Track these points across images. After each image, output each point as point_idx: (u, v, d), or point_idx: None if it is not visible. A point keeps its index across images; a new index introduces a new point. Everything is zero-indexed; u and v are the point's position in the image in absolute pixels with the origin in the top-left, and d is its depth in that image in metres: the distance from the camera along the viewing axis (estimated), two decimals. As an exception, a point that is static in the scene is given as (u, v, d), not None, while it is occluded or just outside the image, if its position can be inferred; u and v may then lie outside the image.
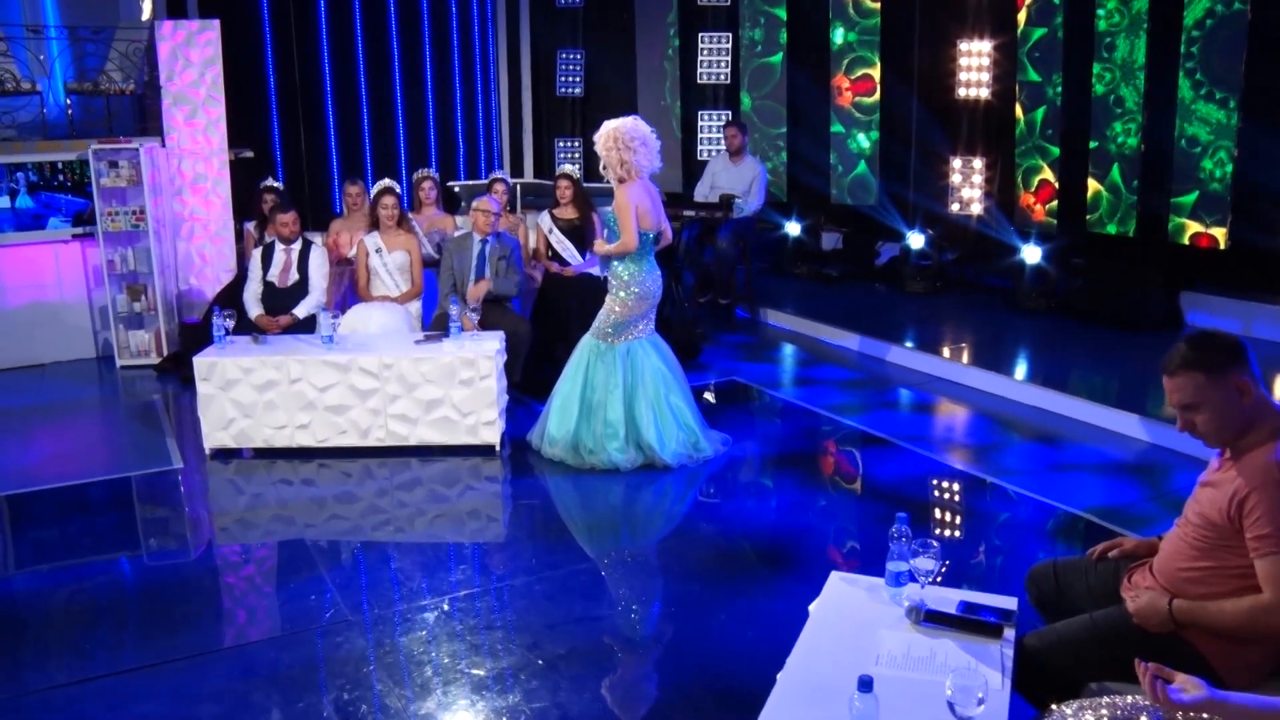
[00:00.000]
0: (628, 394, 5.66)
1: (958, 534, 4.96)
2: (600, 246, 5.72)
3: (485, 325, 6.44)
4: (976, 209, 9.46)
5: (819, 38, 10.17)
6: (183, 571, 4.75)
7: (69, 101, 7.98)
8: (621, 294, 5.63)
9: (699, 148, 10.58)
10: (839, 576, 3.30)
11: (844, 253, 10.63)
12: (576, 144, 11.03)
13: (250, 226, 7.78)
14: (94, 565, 4.75)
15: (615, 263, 5.64)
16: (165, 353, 7.83)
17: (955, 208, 9.54)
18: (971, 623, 2.95)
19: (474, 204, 6.82)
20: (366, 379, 5.83)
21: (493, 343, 6.00)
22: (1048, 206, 8.91)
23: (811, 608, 3.17)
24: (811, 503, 5.32)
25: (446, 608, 4.22)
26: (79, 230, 7.79)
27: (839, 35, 10.11)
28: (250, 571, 4.72)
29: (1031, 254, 8.75)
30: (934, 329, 8.43)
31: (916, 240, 9.48)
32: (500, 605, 4.25)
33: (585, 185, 8.61)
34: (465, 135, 10.50)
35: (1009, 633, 2.93)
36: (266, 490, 5.59)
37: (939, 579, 3.08)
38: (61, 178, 7.55)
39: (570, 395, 5.73)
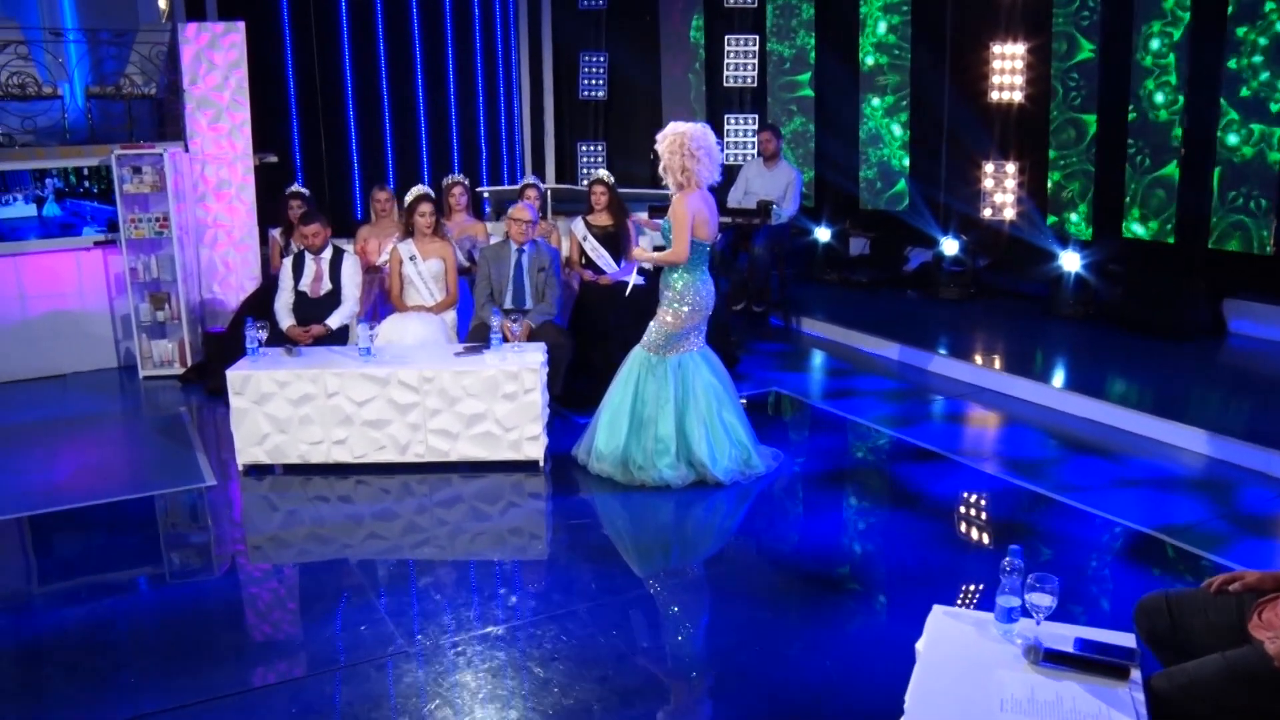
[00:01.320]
0: (679, 409, 5.48)
1: (1025, 555, 4.76)
2: (640, 253, 5.53)
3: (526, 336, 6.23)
4: (1009, 214, 9.29)
5: (848, 38, 9.99)
6: (224, 597, 4.56)
7: (88, 106, 7.78)
8: (675, 305, 5.45)
9: (725, 152, 10.38)
10: (942, 611, 3.12)
11: (871, 258, 10.46)
12: (599, 148, 10.85)
13: (276, 233, 7.59)
14: (127, 591, 4.56)
15: (670, 273, 5.45)
16: (189, 363, 7.64)
17: (988, 213, 9.36)
18: (1095, 663, 2.78)
19: (509, 212, 6.64)
20: (406, 392, 5.64)
21: (536, 355, 5.81)
22: (1080, 212, 8.74)
23: (919, 646, 2.99)
24: (871, 522, 5.15)
25: (506, 636, 4.03)
26: (100, 237, 7.59)
27: (869, 36, 9.94)
28: (296, 597, 4.52)
29: (1070, 261, 8.57)
30: (972, 337, 8.26)
31: (950, 246, 9.30)
32: (563, 634, 4.06)
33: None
34: (488, 139, 10.32)
35: (1135, 674, 2.76)
36: (303, 508, 5.39)
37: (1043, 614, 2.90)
38: (88, 184, 7.34)
39: (620, 409, 5.55)
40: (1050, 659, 2.78)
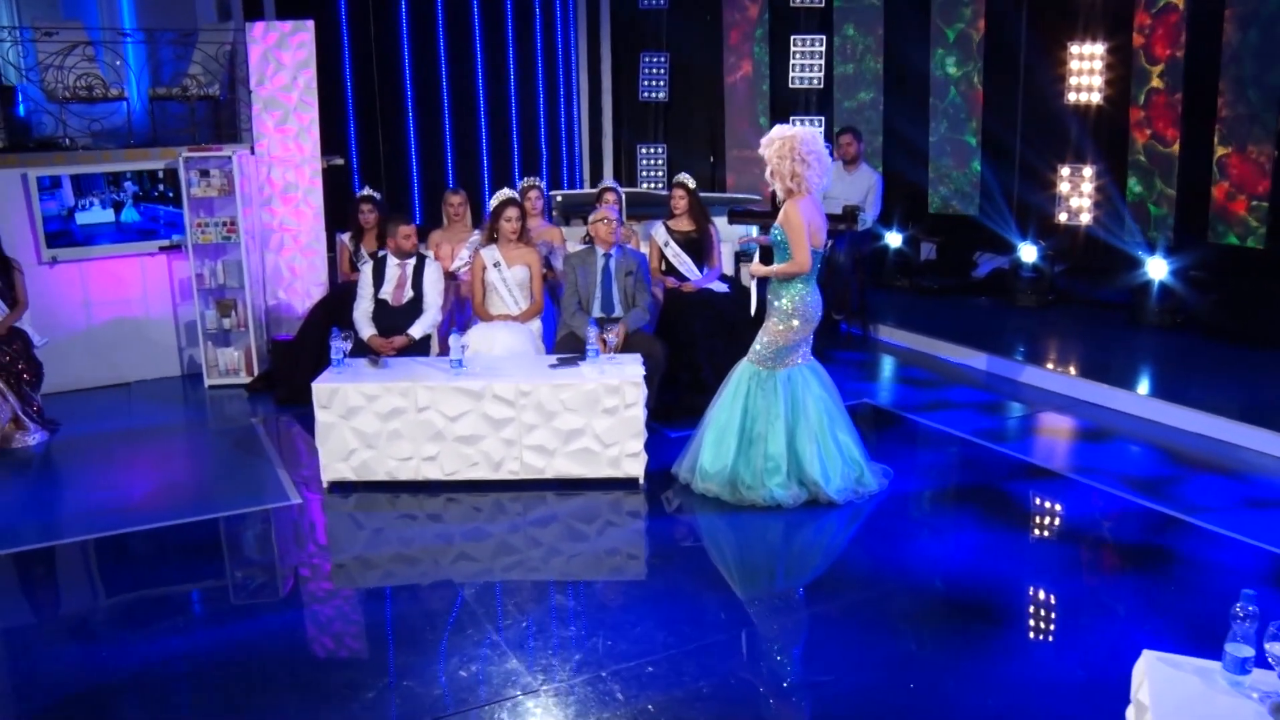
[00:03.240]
0: (789, 425, 5.22)
1: (1171, 583, 4.51)
2: (759, 268, 5.29)
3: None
4: (1086, 219, 9.01)
5: (918, 39, 9.72)
6: (328, 627, 4.32)
7: (152, 108, 7.56)
8: (785, 317, 5.19)
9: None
10: (1155, 657, 2.86)
11: (939, 264, 10.17)
12: (660, 150, 10.59)
13: (345, 238, 7.36)
14: (220, 621, 4.32)
15: (779, 284, 5.20)
16: (255, 371, 7.42)
17: (1063, 217, 9.08)
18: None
19: (592, 215, 6.40)
20: (501, 407, 5.40)
21: (636, 367, 5.56)
22: (1164, 218, 8.46)
23: (1142, 698, 2.72)
24: (1000, 545, 4.87)
25: (639, 671, 3.78)
26: (165, 243, 7.38)
27: (939, 37, 9.67)
28: (402, 626, 4.25)
29: (1157, 268, 8.29)
30: (1060, 346, 7.98)
31: (1029, 252, 9.02)
32: (702, 669, 3.81)
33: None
34: (549, 141, 10.08)
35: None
36: (395, 528, 5.15)
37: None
38: (162, 188, 7.13)
39: (727, 426, 5.29)
40: (1303, 717, 2.52)
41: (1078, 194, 9.04)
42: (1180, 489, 5.46)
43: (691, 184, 7.14)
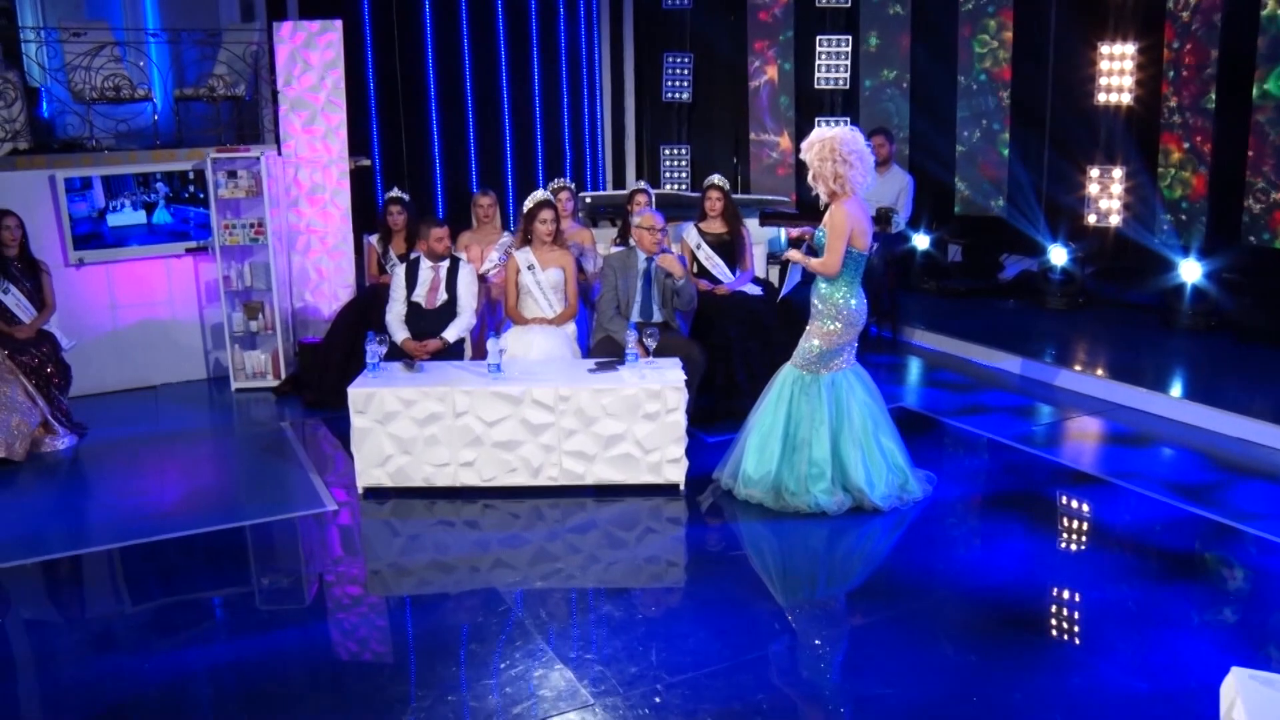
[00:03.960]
0: (834, 430, 5.14)
1: (1231, 592, 4.43)
2: (796, 254, 5.20)
3: (655, 351, 5.91)
4: (1115, 220, 8.91)
5: (946, 34, 9.63)
6: (371, 638, 4.26)
7: (176, 109, 7.50)
8: (830, 321, 5.12)
9: (815, 155, 10.04)
10: (1247, 676, 2.78)
11: (964, 266, 10.08)
12: (683, 151, 10.51)
13: (373, 240, 7.29)
14: (256, 631, 4.24)
15: (826, 286, 5.12)
16: (283, 374, 7.34)
17: (1093, 219, 8.99)
18: None
19: (635, 220, 6.32)
20: (540, 412, 5.33)
21: (677, 372, 5.49)
22: (1197, 219, 8.37)
23: (1237, 718, 2.64)
24: (1051, 553, 4.80)
25: (706, 683, 3.70)
26: (191, 244, 7.31)
27: (966, 39, 9.59)
28: (455, 637, 4.16)
29: (1190, 270, 8.20)
30: (1094, 350, 7.89)
31: (1059, 254, 8.93)
32: (758, 681, 3.73)
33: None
34: (572, 142, 10.00)
35: None
36: (432, 534, 5.08)
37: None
38: (192, 189, 7.05)
39: (771, 431, 5.21)
40: None
41: (1107, 195, 8.94)
42: (1227, 495, 5.38)
43: (726, 185, 7.05)
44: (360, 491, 5.47)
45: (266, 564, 4.97)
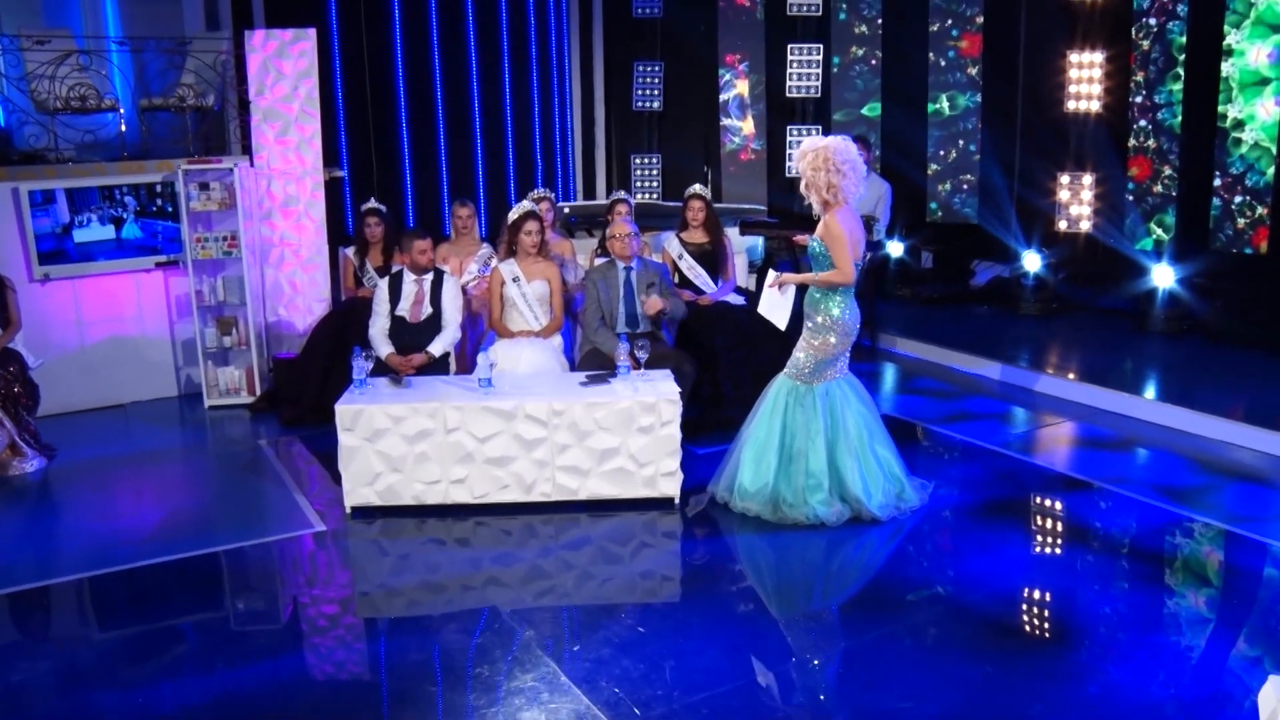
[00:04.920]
0: (829, 441, 5.11)
1: (1236, 596, 4.45)
2: (790, 276, 5.16)
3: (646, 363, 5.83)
4: (1085, 226, 9.02)
5: (916, 45, 9.69)
6: (374, 663, 4.14)
7: (142, 119, 7.30)
8: (825, 331, 5.08)
9: (787, 165, 10.05)
10: (1283, 684, 2.76)
11: (936, 273, 10.14)
12: (654, 160, 10.46)
13: (349, 252, 7.15)
14: (249, 660, 4.10)
15: (820, 296, 5.09)
16: (258, 391, 7.17)
17: (1063, 225, 9.09)
18: None
19: (608, 230, 6.25)
20: (533, 427, 5.23)
21: (670, 384, 5.43)
22: (1165, 225, 8.48)
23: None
24: (1054, 560, 4.80)
25: (725, 702, 3.63)
26: (162, 258, 7.11)
27: (938, 46, 9.65)
28: (461, 659, 4.06)
29: (1162, 275, 8.30)
30: (1070, 355, 7.96)
31: (1032, 260, 9.01)
32: (780, 697, 3.68)
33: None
34: (543, 152, 9.90)
35: None
36: (424, 554, 4.95)
37: None
38: (160, 202, 6.86)
39: (766, 443, 5.17)
40: None
41: (1078, 201, 9.05)
42: (1216, 498, 5.43)
43: (707, 195, 7.02)
44: (348, 511, 5.34)
45: (255, 590, 4.80)
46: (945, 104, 9.65)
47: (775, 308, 5.18)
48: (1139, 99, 8.53)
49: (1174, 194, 8.38)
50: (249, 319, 7.10)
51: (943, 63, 9.65)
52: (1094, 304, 9.01)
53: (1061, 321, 8.85)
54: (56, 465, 6.15)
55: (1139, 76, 8.50)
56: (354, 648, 4.23)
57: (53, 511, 5.68)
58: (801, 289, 5.19)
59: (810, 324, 5.15)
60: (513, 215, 6.27)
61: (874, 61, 10.01)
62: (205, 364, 7.12)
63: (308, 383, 6.78)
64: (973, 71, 9.56)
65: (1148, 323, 8.33)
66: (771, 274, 5.26)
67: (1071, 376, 7.24)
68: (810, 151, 5.02)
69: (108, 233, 6.75)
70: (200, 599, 4.66)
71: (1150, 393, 6.84)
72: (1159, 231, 8.48)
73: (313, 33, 7.20)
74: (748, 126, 10.45)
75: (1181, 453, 6.09)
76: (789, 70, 9.88)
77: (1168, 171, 8.39)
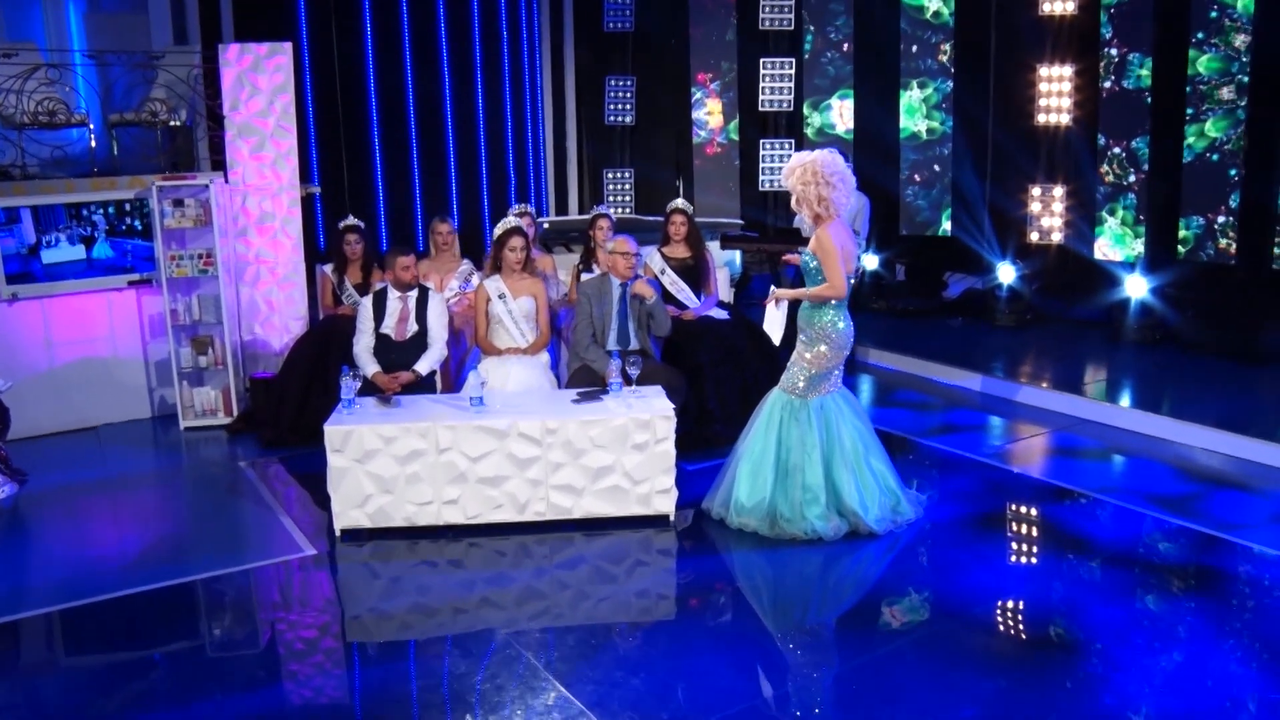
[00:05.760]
0: (825, 455, 5.09)
1: (1236, 603, 4.48)
2: (785, 291, 5.15)
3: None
4: (1057, 238, 9.14)
5: (888, 62, 9.76)
6: (382, 691, 4.02)
7: (112, 134, 7.14)
8: (821, 345, 5.07)
9: (761, 178, 10.08)
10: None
11: (909, 285, 10.21)
12: (627, 174, 10.44)
13: (327, 269, 7.04)
14: (250, 688, 3.99)
15: (814, 310, 5.07)
16: (235, 412, 7.01)
17: (1035, 237, 9.20)
18: None
19: (608, 246, 6.20)
20: (527, 445, 5.16)
21: (664, 401, 5.39)
22: (1136, 235, 8.61)
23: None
24: (1055, 571, 4.80)
25: (732, 725, 3.59)
26: (135, 277, 6.95)
27: (908, 60, 9.73)
28: (468, 683, 3.97)
29: (1136, 285, 8.42)
30: (1048, 365, 8.02)
31: (1007, 272, 9.09)
32: (800, 715, 3.63)
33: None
34: (516, 167, 9.83)
35: None
36: (416, 576, 4.85)
37: None
38: (129, 220, 6.69)
39: (762, 458, 5.14)
40: None
41: (1049, 213, 9.16)
42: (1206, 506, 5.48)
43: (690, 209, 7.00)
44: (337, 534, 5.22)
45: (252, 616, 4.66)
46: (922, 127, 9.71)
47: (772, 323, 5.17)
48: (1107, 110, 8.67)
49: (1142, 204, 8.51)
50: (225, 338, 6.96)
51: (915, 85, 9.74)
52: (1068, 315, 9.11)
53: (1036, 332, 8.94)
54: (28, 491, 5.96)
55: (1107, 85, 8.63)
56: (363, 675, 4.12)
57: (28, 540, 5.49)
58: (795, 303, 5.17)
59: (804, 338, 5.14)
60: (498, 230, 6.20)
61: (846, 77, 10.09)
62: (180, 384, 6.96)
63: (286, 403, 6.65)
64: (940, 101, 9.65)
65: (1121, 333, 8.44)
66: (771, 290, 5.26)
67: (1052, 387, 7.30)
68: (799, 166, 5.01)
69: (78, 253, 6.57)
70: (187, 628, 4.52)
71: (1130, 402, 6.92)
72: (1129, 236, 8.60)
73: (289, 47, 7.09)
74: (715, 118, 10.41)
75: (1164, 461, 6.16)
76: (761, 84, 9.90)
77: (1134, 179, 8.52)
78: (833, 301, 5.07)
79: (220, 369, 7.02)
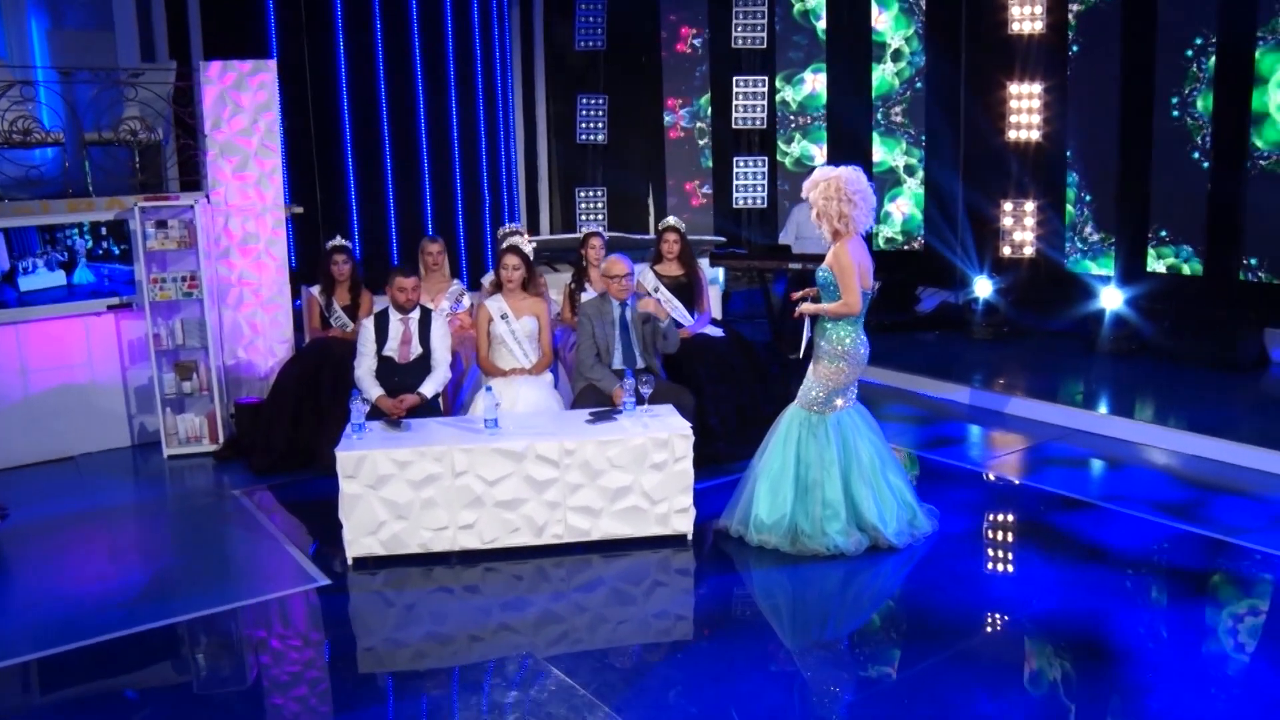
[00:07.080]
0: (844, 470, 5.09)
1: (1263, 609, 4.56)
2: (810, 306, 5.15)
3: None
4: (1029, 252, 9.31)
5: (859, 76, 9.88)
6: None
7: (85, 153, 6.90)
8: (837, 360, 5.08)
9: (735, 195, 10.11)
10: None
11: (882, 300, 10.28)
12: (600, 193, 10.40)
13: (314, 291, 6.88)
14: None
15: (831, 326, 5.08)
16: (220, 438, 6.80)
17: (1007, 251, 9.36)
18: None
19: (602, 268, 6.15)
20: (545, 468, 5.08)
21: (679, 419, 5.34)
22: (1106, 247, 8.81)
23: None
24: (1079, 580, 4.82)
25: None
26: (114, 301, 6.72)
27: (882, 74, 9.86)
28: (520, 712, 3.87)
29: (1110, 297, 8.59)
30: (1031, 377, 8.12)
31: (984, 286, 9.22)
32: (852, 739, 3.61)
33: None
34: (490, 186, 9.73)
35: None
36: (434, 605, 4.72)
37: None
38: (107, 243, 6.46)
39: (781, 475, 5.12)
40: None
41: (1021, 228, 9.33)
42: (1210, 511, 5.59)
43: (682, 227, 6.97)
44: (350, 563, 5.08)
45: (276, 648, 4.50)
46: (898, 157, 9.84)
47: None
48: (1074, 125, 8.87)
49: (1113, 218, 8.71)
50: (210, 363, 6.75)
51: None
52: (1044, 327, 9.25)
53: (1014, 345, 9.07)
54: (11, 526, 5.69)
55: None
56: (399, 709, 3.99)
57: (15, 578, 5.23)
58: (814, 319, 5.18)
59: (821, 354, 5.14)
60: (497, 251, 6.10)
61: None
62: (164, 411, 6.73)
63: (276, 428, 6.48)
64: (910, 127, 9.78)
65: (1097, 344, 8.60)
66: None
67: (1037, 397, 7.38)
68: (822, 181, 5.03)
69: (57, 279, 6.31)
70: (199, 667, 4.35)
71: (1117, 411, 7.03)
72: (1102, 248, 8.79)
73: (273, 64, 6.94)
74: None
75: (1162, 468, 6.27)
76: (735, 102, 9.95)
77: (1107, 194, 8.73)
78: (848, 318, 5.08)
79: (204, 394, 6.81)
